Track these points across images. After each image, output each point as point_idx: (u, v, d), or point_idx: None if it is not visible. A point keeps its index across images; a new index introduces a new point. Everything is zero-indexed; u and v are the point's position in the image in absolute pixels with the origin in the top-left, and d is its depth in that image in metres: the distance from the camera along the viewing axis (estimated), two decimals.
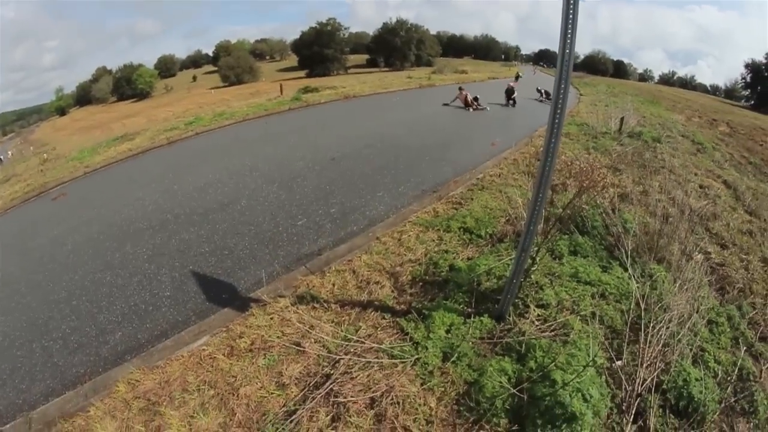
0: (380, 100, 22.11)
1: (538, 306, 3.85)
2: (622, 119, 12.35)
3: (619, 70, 75.96)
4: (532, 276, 4.22)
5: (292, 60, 77.38)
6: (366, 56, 73.12)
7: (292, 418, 3.26)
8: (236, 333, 4.29)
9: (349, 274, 4.91)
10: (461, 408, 3.13)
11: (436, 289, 4.37)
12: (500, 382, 3.13)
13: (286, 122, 16.83)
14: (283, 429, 3.19)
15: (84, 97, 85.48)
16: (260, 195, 8.18)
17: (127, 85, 77.49)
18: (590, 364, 3.08)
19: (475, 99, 17.08)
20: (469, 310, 3.85)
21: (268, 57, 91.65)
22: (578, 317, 3.69)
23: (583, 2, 2.60)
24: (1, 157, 47.58)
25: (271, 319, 4.38)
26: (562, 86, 2.75)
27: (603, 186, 4.11)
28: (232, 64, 70.14)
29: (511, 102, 18.48)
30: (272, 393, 3.55)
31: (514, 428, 2.93)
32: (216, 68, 76.20)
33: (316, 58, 66.24)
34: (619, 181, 6.68)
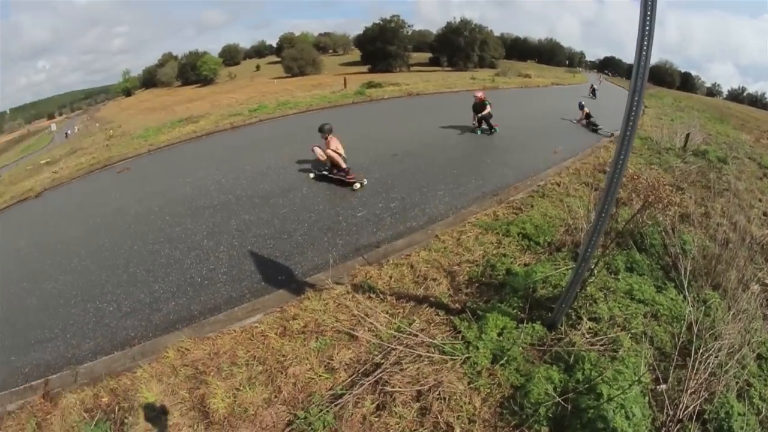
0: (444, 99, 22.40)
1: (590, 319, 3.95)
2: (687, 136, 11.92)
3: (686, 82, 71.72)
4: (588, 288, 4.32)
5: (355, 55, 79.85)
6: (429, 55, 74.03)
7: (338, 401, 3.42)
8: (290, 314, 4.52)
9: (406, 268, 5.10)
10: (505, 411, 3.23)
11: (491, 291, 4.53)
12: (546, 390, 3.23)
13: (349, 115, 17.41)
14: (327, 411, 3.35)
15: (150, 80, 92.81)
16: (322, 183, 8.59)
17: (191, 71, 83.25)
18: (636, 382, 3.13)
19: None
20: (523, 315, 3.98)
21: (330, 51, 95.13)
22: (629, 335, 3.77)
23: None
24: (68, 131, 52.47)
25: (326, 304, 4.59)
26: (636, 99, 2.74)
27: (667, 203, 4.07)
28: (295, 55, 73.50)
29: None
30: (320, 375, 3.73)
31: None
32: (279, 59, 79.97)
33: (379, 54, 68.09)
34: (681, 201, 6.48)
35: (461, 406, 3.24)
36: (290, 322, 4.39)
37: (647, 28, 2.53)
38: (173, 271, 6.05)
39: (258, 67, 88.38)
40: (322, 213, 7.16)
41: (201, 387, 3.82)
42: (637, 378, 3.19)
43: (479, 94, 12.97)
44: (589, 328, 3.84)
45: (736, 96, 70.32)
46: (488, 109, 12.58)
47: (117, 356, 4.67)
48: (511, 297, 4.29)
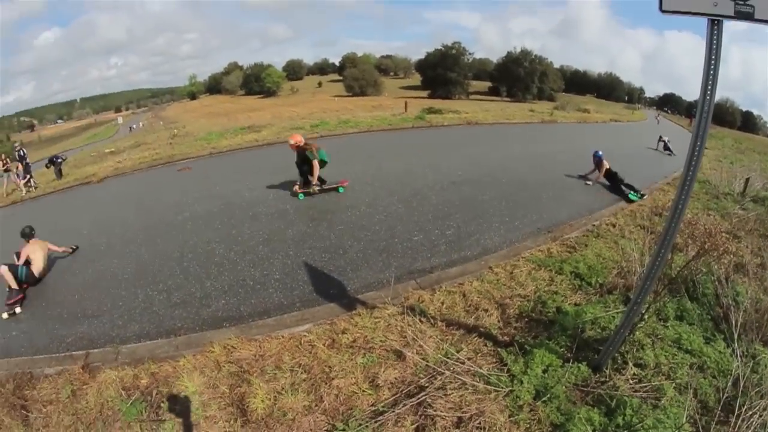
0: (502, 129, 22.59)
1: (636, 365, 3.96)
2: (747, 180, 11.33)
3: (748, 122, 67.98)
4: (636, 333, 4.31)
5: (415, 79, 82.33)
6: (488, 84, 75.65)
7: (379, 418, 3.48)
8: (340, 328, 4.64)
9: (458, 296, 5.21)
10: None
11: (540, 327, 4.59)
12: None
13: (409, 140, 17.90)
14: (366, 426, 3.42)
15: (214, 86, 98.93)
16: (380, 204, 8.76)
17: (255, 82, 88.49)
18: (678, 430, 3.13)
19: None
20: (569, 354, 4.04)
21: (392, 73, 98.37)
22: (673, 384, 3.73)
23: None
24: (132, 125, 55.97)
25: (377, 323, 4.71)
26: (698, 143, 2.71)
27: (723, 252, 3.98)
28: (357, 75, 76.50)
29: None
30: (364, 391, 3.82)
31: None
32: (341, 78, 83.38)
33: (439, 80, 69.98)
34: (737, 249, 6.24)
35: None
36: (339, 335, 4.51)
37: (712, 67, 2.55)
38: (226, 270, 6.33)
39: (320, 84, 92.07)
40: (378, 233, 7.31)
41: (242, 385, 3.97)
42: (677, 429, 3.18)
43: (294, 141, 9.37)
44: (634, 374, 3.86)
45: None
46: (316, 165, 9.18)
47: (161, 343, 4.92)
48: (559, 335, 4.36)
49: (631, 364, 3.94)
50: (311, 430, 3.55)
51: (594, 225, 7.57)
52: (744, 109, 72.74)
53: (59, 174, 19.00)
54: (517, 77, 69.45)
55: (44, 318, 5.86)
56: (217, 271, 6.31)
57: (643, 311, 4.19)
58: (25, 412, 4.24)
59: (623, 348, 4.12)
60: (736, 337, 4.23)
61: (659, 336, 4.40)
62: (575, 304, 4.96)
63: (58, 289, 6.47)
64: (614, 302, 4.95)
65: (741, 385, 3.65)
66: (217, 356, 4.35)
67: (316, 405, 3.72)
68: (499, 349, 4.19)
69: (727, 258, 5.11)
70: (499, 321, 4.72)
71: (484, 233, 7.23)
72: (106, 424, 3.87)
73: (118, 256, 7.21)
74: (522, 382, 3.73)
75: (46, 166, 19.56)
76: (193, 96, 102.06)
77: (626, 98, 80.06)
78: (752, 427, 3.30)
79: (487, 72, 77.36)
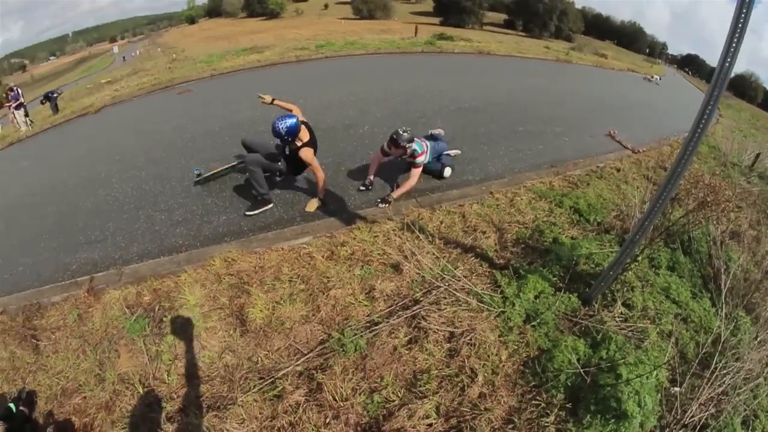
0: (514, 63, 22.05)
1: (623, 304, 4.18)
2: (757, 156, 11.29)
3: None
4: (628, 274, 4.51)
5: (427, 5, 79.38)
6: (504, 16, 72.98)
7: (373, 329, 3.71)
8: (339, 241, 4.80)
9: (458, 217, 5.38)
10: (527, 370, 3.48)
11: (536, 255, 4.77)
12: (570, 359, 3.49)
13: (416, 64, 17.58)
14: (361, 336, 3.64)
15: (214, 9, 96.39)
16: (384, 125, 8.74)
17: (257, 4, 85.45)
18: (655, 373, 3.35)
19: None
20: (561, 284, 4.20)
21: None
22: (657, 329, 3.99)
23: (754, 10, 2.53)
24: (124, 56, 55.23)
25: (376, 237, 4.86)
26: (711, 101, 2.75)
27: (724, 209, 4.33)
28: None
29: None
30: (360, 302, 4.03)
31: (567, 405, 3.23)
32: (349, 0, 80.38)
33: (452, 8, 67.17)
34: (736, 218, 6.35)
35: (488, 356, 3.49)
36: (338, 248, 4.66)
37: (739, 26, 2.52)
38: (227, 188, 6.49)
39: (326, 6, 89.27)
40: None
41: (242, 296, 4.17)
42: (656, 368, 3.40)
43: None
44: (621, 312, 4.07)
45: None
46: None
47: (163, 261, 5.13)
48: (553, 264, 4.53)
49: (619, 302, 4.14)
50: (308, 338, 3.77)
51: (598, 167, 7.67)
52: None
53: (55, 109, 19.08)
54: (535, 12, 66.74)
55: (48, 249, 6.12)
56: (219, 188, 6.48)
57: (637, 253, 4.44)
58: (35, 341, 4.52)
59: (614, 286, 4.33)
60: (723, 298, 4.43)
61: (649, 282, 4.61)
62: (572, 238, 5.14)
63: (61, 220, 6.69)
64: (610, 242, 5.13)
65: (720, 345, 3.90)
66: (218, 269, 4.54)
67: (313, 315, 3.93)
68: (494, 271, 4.38)
69: (727, 217, 5.27)
70: (496, 244, 4.89)
71: (488, 160, 7.34)
72: (111, 342, 4.12)
73: (119, 181, 7.35)
74: (514, 305, 3.94)
75: (42, 102, 19.62)
76: (192, 20, 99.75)
77: (647, 51, 76.39)
78: (723, 386, 3.54)
79: (503, 4, 74.03)
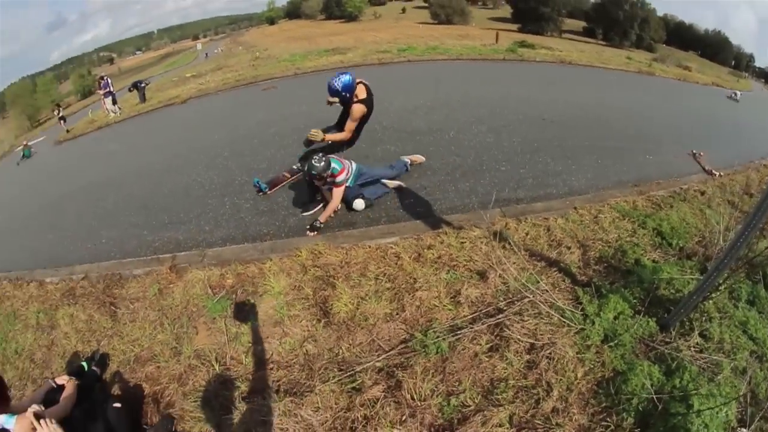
0: (597, 73, 21.45)
1: (700, 334, 4.03)
2: None
3: None
4: (707, 303, 4.32)
5: (505, 11, 78.97)
6: (583, 23, 70.75)
7: (456, 333, 3.69)
8: (426, 244, 4.81)
9: (543, 230, 5.31)
10: (600, 390, 3.41)
11: (618, 275, 4.67)
12: (643, 384, 3.43)
13: (499, 71, 17.49)
14: (443, 338, 3.63)
15: (293, 11, 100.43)
16: (469, 131, 8.76)
17: (336, 6, 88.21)
18: (725, 408, 3.25)
19: None
20: (640, 308, 4.12)
21: (480, 2, 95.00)
22: (731, 364, 3.80)
23: None
24: (207, 52, 58.27)
25: (462, 243, 4.84)
26: None
27: None
28: (443, 3, 74.32)
29: None
30: (445, 305, 4.03)
31: (636, 429, 3.15)
32: (426, 4, 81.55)
33: (531, 14, 66.25)
34: None
35: (565, 372, 3.44)
36: (425, 251, 4.67)
37: None
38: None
39: (404, 10, 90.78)
40: (466, 159, 7.37)
41: (327, 289, 4.27)
42: (727, 402, 3.30)
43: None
44: (697, 342, 3.93)
45: None
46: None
47: (247, 247, 5.36)
48: (634, 286, 4.43)
49: (696, 332, 3.99)
50: (390, 336, 3.81)
51: (681, 188, 7.35)
52: None
53: (143, 98, 20.48)
54: (616, 20, 64.30)
55: (132, 225, 6.51)
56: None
57: (719, 284, 4.16)
58: (113, 308, 4.87)
59: (692, 315, 4.18)
60: None
61: (728, 314, 4.40)
62: (653, 261, 5.00)
63: (147, 201, 7.12)
64: (691, 269, 4.92)
65: None
66: (304, 260, 4.68)
67: (397, 313, 3.97)
68: (576, 287, 4.30)
69: None
70: (579, 260, 4.81)
71: (571, 174, 7.18)
72: (190, 318, 4.35)
73: (206, 168, 7.76)
74: (594, 323, 3.88)
75: (129, 90, 21.11)
76: (272, 21, 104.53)
77: (733, 63, 71.94)
78: None
79: (582, 11, 72.11)
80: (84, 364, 4.10)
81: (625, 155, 8.43)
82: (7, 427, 2.78)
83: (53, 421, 2.86)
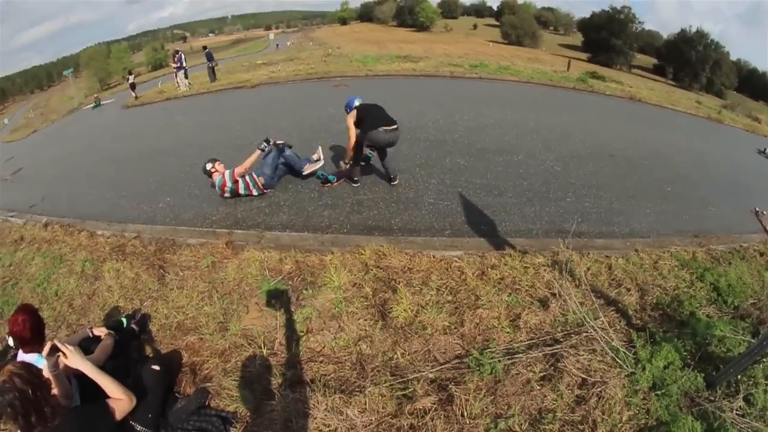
0: (666, 115, 20.80)
1: (745, 398, 3.89)
2: None
3: None
4: (756, 368, 4.18)
5: (576, 38, 78.47)
6: (653, 60, 70.71)
7: (512, 357, 3.64)
8: (490, 263, 4.76)
9: (605, 267, 5.26)
10: None
11: (672, 324, 4.59)
12: None
13: (569, 100, 17.38)
14: (498, 360, 3.58)
15: (366, 14, 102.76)
16: (537, 157, 8.73)
17: (408, 14, 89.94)
18: None
19: None
20: (690, 361, 4.05)
21: (551, 27, 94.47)
22: None
23: None
24: (278, 43, 59.82)
25: (527, 268, 4.78)
26: None
27: None
28: (515, 23, 75.01)
29: None
30: (504, 327, 3.97)
31: None
32: (497, 23, 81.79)
33: (602, 45, 66.52)
34: None
35: (611, 413, 3.38)
36: (489, 270, 4.62)
37: None
38: (380, 183, 6.83)
39: (475, 26, 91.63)
40: (533, 184, 7.33)
41: (387, 292, 4.25)
42: None
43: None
44: (740, 406, 3.79)
45: None
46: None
47: (307, 236, 5.43)
48: (687, 338, 4.36)
49: (741, 395, 3.86)
50: (445, 349, 3.76)
51: (742, 246, 7.17)
52: None
53: (212, 76, 21.05)
54: (687, 60, 63.63)
55: (191, 196, 6.73)
56: (372, 183, 6.81)
57: None
58: (162, 272, 4.98)
59: (739, 377, 4.05)
60: None
61: None
62: (707, 315, 4.90)
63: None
64: (744, 330, 4.81)
65: None
66: (367, 259, 4.69)
67: (456, 328, 3.91)
68: (631, 330, 4.24)
69: None
70: (637, 303, 4.74)
71: (633, 215, 7.12)
72: (242, 296, 4.40)
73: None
74: (645, 369, 3.83)
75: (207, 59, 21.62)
76: (344, 21, 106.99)
77: None
78: None
79: (653, 47, 71.79)
80: (123, 319, 4.17)
81: (686, 202, 8.30)
82: (38, 365, 2.82)
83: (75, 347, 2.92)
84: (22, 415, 2.44)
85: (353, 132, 6.46)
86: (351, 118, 6.48)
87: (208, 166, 6.57)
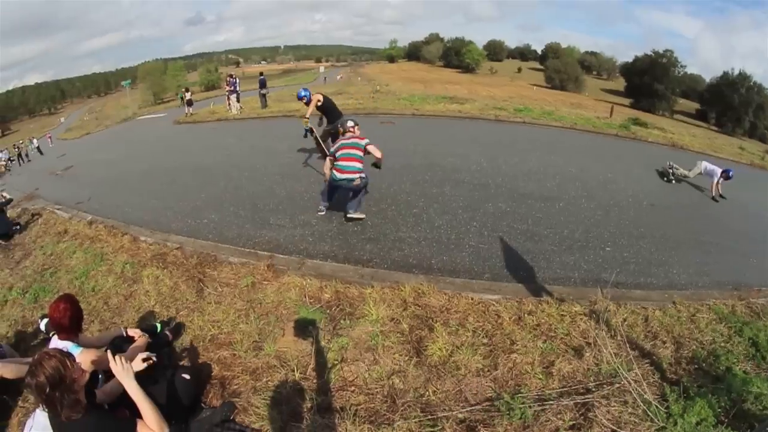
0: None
1: None
2: None
3: None
4: None
5: (618, 83, 77.72)
6: (696, 105, 69.21)
7: (542, 403, 3.61)
8: (527, 309, 4.78)
9: (641, 319, 5.19)
10: None
11: (707, 379, 4.44)
12: None
13: (611, 147, 17.43)
14: (528, 406, 3.55)
15: (413, 53, 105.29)
16: (579, 205, 8.75)
17: (455, 56, 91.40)
18: None
19: None
20: (724, 418, 3.88)
21: (594, 72, 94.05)
22: None
23: None
24: (326, 77, 61.50)
25: (563, 316, 4.78)
26: None
27: None
28: (559, 68, 75.17)
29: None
30: (536, 374, 3.96)
31: None
32: (541, 67, 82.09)
33: (645, 90, 65.86)
34: None
35: None
36: (526, 315, 4.64)
37: None
38: (423, 223, 6.96)
39: (519, 70, 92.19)
40: (573, 232, 7.34)
41: (424, 329, 4.31)
42: None
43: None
44: None
45: None
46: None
47: (347, 268, 5.54)
48: (722, 394, 4.19)
49: None
50: (477, 390, 3.77)
51: None
52: None
53: (264, 103, 21.78)
54: (730, 104, 62.25)
55: (236, 216, 6.96)
56: (414, 222, 6.93)
57: None
58: (201, 285, 5.15)
59: None
60: None
61: None
62: (744, 371, 4.71)
63: (255, 196, 7.53)
64: None
65: None
66: (406, 295, 4.76)
67: (489, 370, 3.93)
68: (664, 383, 4.15)
69: None
70: (671, 356, 4.65)
71: (673, 266, 7.01)
72: (279, 319, 4.52)
73: (317, 183, 8.12)
74: (676, 424, 3.73)
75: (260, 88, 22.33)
76: (391, 59, 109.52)
77: None
78: None
79: (696, 91, 70.50)
80: (158, 325, 4.31)
81: (727, 254, 8.14)
82: (72, 352, 2.94)
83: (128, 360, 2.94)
84: (49, 398, 2.47)
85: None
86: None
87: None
